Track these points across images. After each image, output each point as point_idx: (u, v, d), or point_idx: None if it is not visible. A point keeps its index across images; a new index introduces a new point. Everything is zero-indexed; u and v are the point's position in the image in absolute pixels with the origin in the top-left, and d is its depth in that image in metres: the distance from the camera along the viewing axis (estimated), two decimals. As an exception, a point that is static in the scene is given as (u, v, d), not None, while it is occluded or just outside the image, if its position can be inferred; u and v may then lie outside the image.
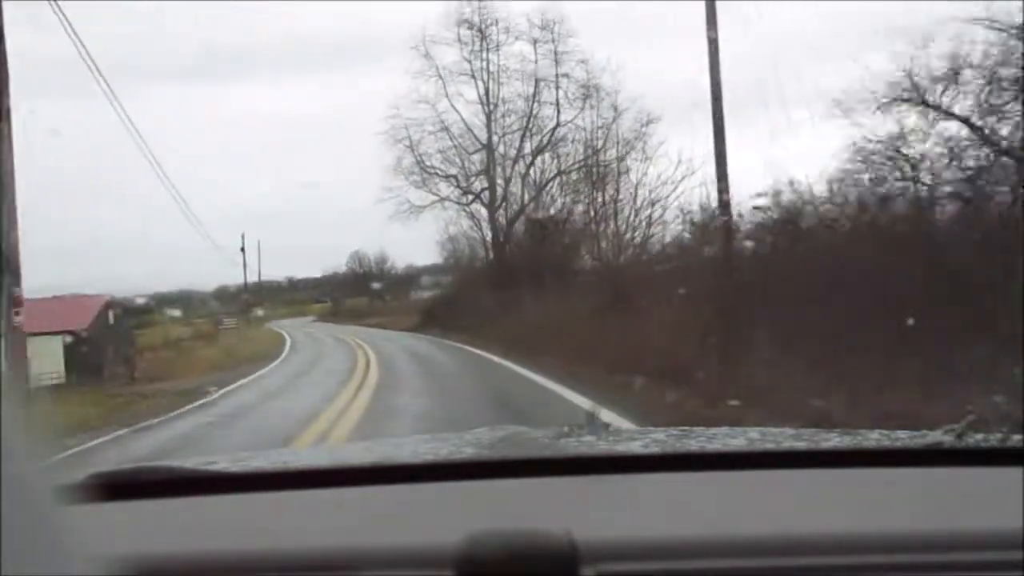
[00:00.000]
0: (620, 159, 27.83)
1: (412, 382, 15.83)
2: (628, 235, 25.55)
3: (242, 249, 48.15)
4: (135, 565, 0.89)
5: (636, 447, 1.65)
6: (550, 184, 31.91)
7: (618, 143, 28.52)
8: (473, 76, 33.36)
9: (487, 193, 33.92)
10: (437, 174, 34.55)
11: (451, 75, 33.44)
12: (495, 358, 18.92)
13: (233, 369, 22.44)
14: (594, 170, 28.33)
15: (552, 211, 30.74)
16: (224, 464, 1.49)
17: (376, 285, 57.98)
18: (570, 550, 0.90)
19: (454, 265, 37.77)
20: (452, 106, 33.95)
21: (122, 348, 28.95)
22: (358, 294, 58.09)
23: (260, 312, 54.24)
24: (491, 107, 33.65)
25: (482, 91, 33.42)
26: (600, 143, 29.41)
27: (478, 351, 21.44)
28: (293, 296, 65.66)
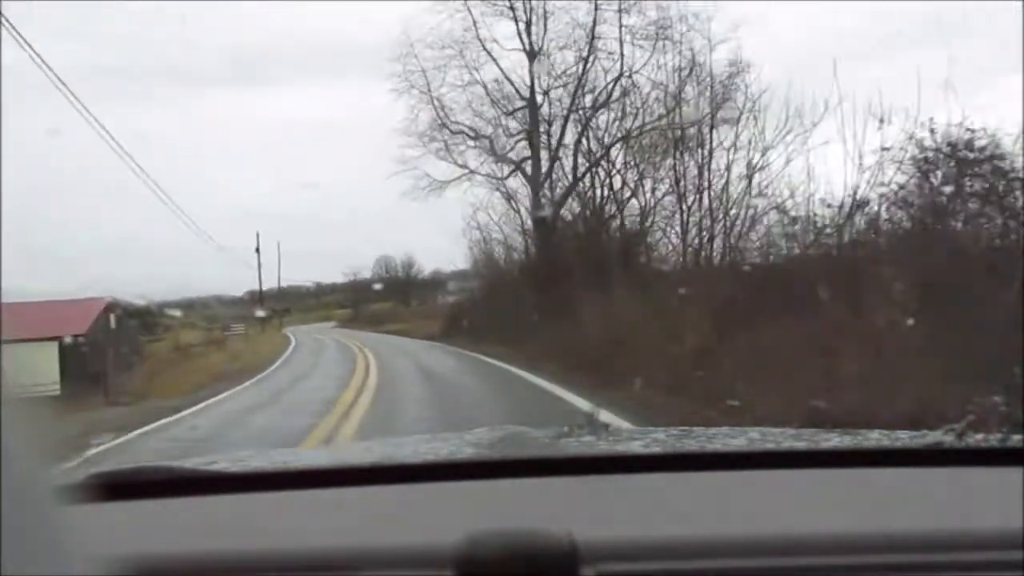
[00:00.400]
0: (713, 112, 18.50)
1: (416, 424, 9.80)
2: (727, 218, 17.24)
3: (256, 250, 46.20)
4: (135, 565, 0.89)
5: (636, 447, 1.65)
6: (612, 151, 22.56)
7: (711, 88, 18.93)
8: (512, 8, 24.01)
9: (528, 165, 24.78)
10: (465, 134, 25.52)
11: (483, 15, 24.29)
12: (552, 387, 12.39)
13: (211, 386, 17.72)
14: (676, 132, 19.29)
15: (614, 187, 22.22)
16: (224, 464, 1.49)
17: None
18: (570, 550, 0.90)
19: (484, 260, 30.07)
20: (484, 48, 24.50)
21: (127, 355, 26.82)
22: (384, 299, 56.35)
23: (281, 317, 52.80)
24: (535, 50, 24.09)
25: (523, 29, 24.03)
26: (682, 94, 19.80)
27: (520, 371, 15.07)
28: (320, 301, 64.52)
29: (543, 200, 24.10)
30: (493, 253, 29.32)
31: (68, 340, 23.60)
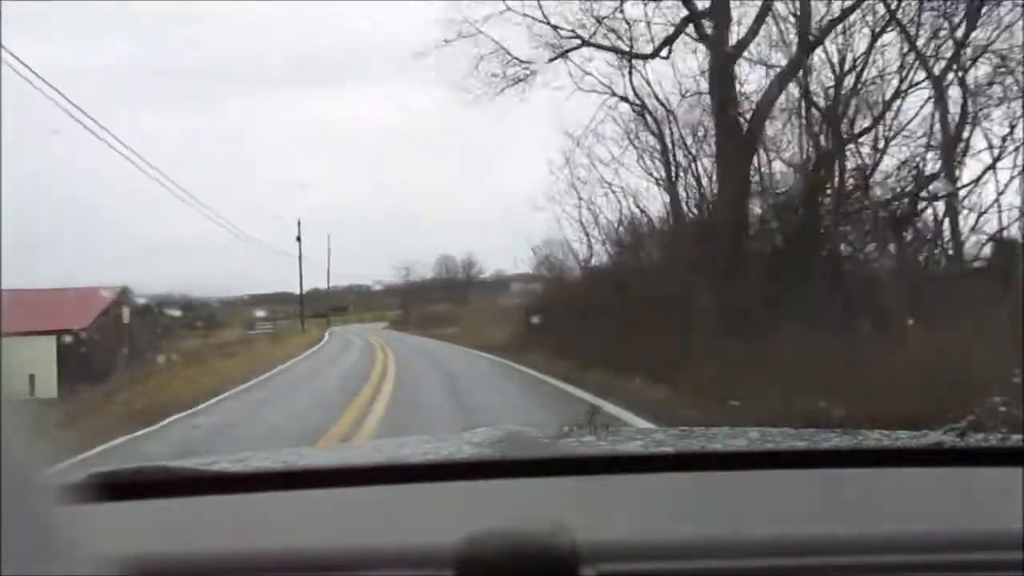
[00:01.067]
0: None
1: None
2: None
3: (298, 238, 44.10)
4: (135, 565, 0.89)
5: (636, 447, 1.65)
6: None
7: None
8: None
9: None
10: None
11: None
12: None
13: (192, 398, 13.80)
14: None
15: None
16: (224, 464, 1.49)
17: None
18: (570, 550, 0.90)
19: (619, 232, 19.16)
20: None
21: (138, 352, 23.51)
22: (443, 300, 52.80)
23: (328, 316, 51.91)
24: None
25: None
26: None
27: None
28: (381, 301, 63.08)
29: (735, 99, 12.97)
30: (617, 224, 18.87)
31: (68, 337, 21.49)
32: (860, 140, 13.26)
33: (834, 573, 0.94)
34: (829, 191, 12.90)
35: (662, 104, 16.08)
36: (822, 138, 13.20)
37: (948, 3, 12.92)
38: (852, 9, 12.99)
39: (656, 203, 17.38)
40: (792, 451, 1.49)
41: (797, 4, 13.39)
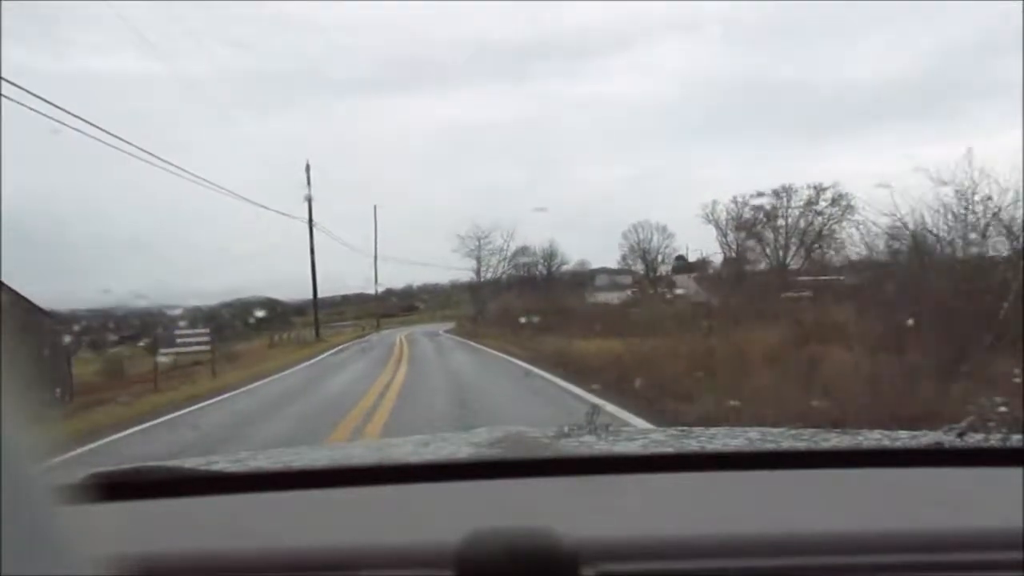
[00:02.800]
0: None
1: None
2: None
3: (308, 200, 39.01)
4: (135, 565, 0.89)
5: (636, 447, 1.65)
6: None
7: None
8: None
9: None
10: None
11: None
12: None
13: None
14: None
15: None
16: (224, 464, 1.49)
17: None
18: (570, 550, 0.90)
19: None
20: None
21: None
22: (520, 296, 47.25)
23: (403, 315, 50.74)
24: None
25: None
26: None
27: None
28: (450, 299, 60.33)
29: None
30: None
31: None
32: None
33: (834, 573, 0.94)
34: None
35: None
36: None
37: None
38: None
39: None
40: (792, 451, 1.49)
41: None
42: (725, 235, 43.06)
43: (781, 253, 39.30)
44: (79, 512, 0.59)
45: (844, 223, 36.62)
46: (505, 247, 51.60)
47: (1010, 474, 1.20)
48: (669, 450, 1.59)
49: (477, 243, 51.46)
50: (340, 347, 31.90)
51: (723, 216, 42.79)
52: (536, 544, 0.90)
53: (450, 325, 45.68)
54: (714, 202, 44.26)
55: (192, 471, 1.40)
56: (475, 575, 0.90)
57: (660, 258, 50.42)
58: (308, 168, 38.98)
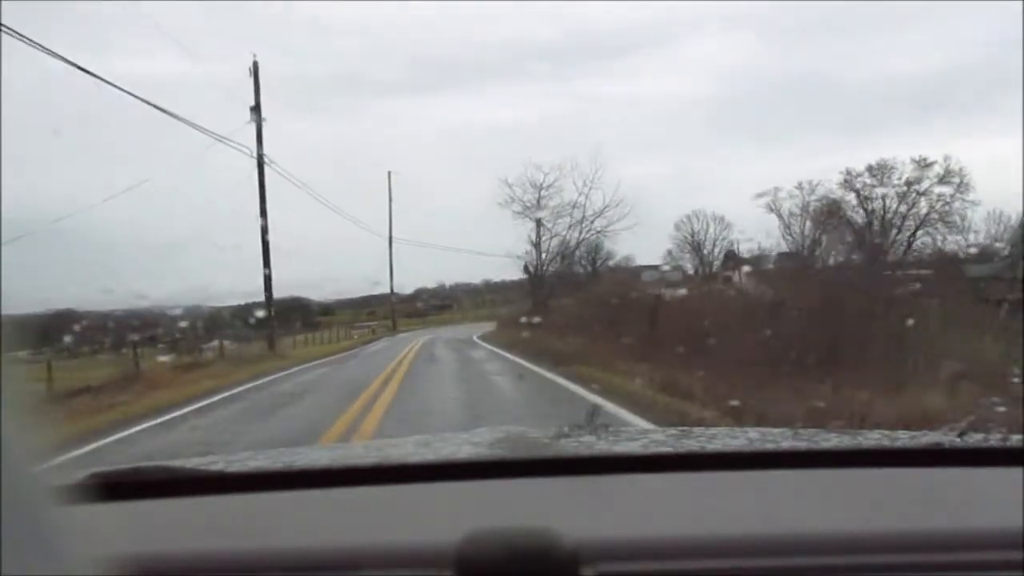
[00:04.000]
0: None
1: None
2: None
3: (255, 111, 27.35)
4: (135, 565, 0.89)
5: (635, 447, 1.65)
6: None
7: None
8: None
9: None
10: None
11: None
12: None
13: None
14: None
15: None
16: (224, 464, 1.49)
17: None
18: (570, 550, 0.90)
19: None
20: None
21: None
22: (564, 294, 41.58)
23: (434, 315, 47.56)
24: None
25: None
26: None
27: None
28: (486, 299, 56.73)
29: None
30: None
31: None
32: None
33: (834, 573, 0.94)
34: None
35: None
36: None
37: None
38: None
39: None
40: (792, 451, 1.49)
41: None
42: (788, 225, 38.27)
43: (879, 241, 33.25)
44: (79, 512, 0.59)
45: (956, 204, 32.31)
46: (581, 202, 39.27)
47: (1010, 474, 1.20)
48: (669, 450, 1.59)
49: (537, 194, 39.99)
50: (270, 377, 18.36)
51: (785, 204, 37.81)
52: (536, 544, 0.90)
53: (487, 327, 35.97)
54: (775, 189, 39.41)
55: (192, 471, 1.39)
56: (475, 575, 0.90)
57: (716, 251, 45.97)
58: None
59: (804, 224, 38.16)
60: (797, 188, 38.38)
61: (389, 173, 41.65)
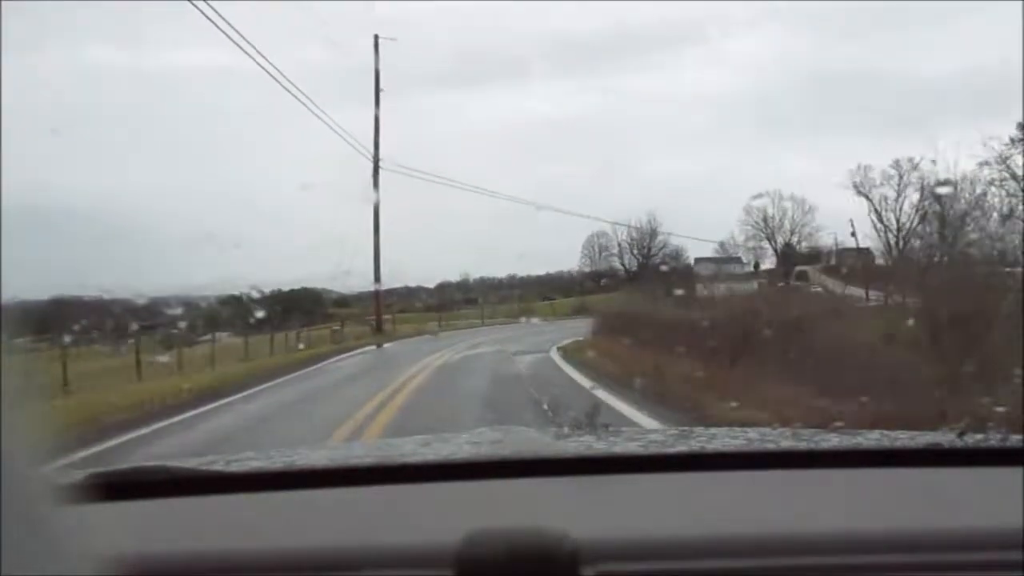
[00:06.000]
0: None
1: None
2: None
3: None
4: (135, 565, 0.89)
5: (635, 447, 1.65)
6: None
7: None
8: None
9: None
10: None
11: None
12: None
13: None
14: None
15: None
16: (224, 464, 1.49)
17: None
18: (570, 550, 0.90)
19: None
20: None
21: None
22: (608, 288, 37.64)
23: (453, 311, 40.57)
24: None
25: None
26: None
27: None
28: (512, 292, 52.77)
29: None
30: None
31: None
32: None
33: (834, 573, 0.94)
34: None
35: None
36: None
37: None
38: None
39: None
40: (792, 451, 1.49)
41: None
42: (879, 213, 32.68)
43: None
44: (79, 512, 0.59)
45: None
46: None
47: (1010, 474, 1.20)
48: (669, 450, 1.59)
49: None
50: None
51: (875, 184, 32.53)
52: (536, 544, 0.90)
53: (557, 335, 22.89)
54: (865, 168, 34.41)
55: (192, 471, 1.39)
56: (475, 575, 0.90)
57: (797, 239, 39.59)
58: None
59: (899, 209, 33.49)
60: (893, 167, 33.84)
61: (376, 38, 31.17)
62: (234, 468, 1.47)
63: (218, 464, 1.48)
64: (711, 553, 0.97)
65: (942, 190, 29.27)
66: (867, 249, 33.04)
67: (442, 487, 1.27)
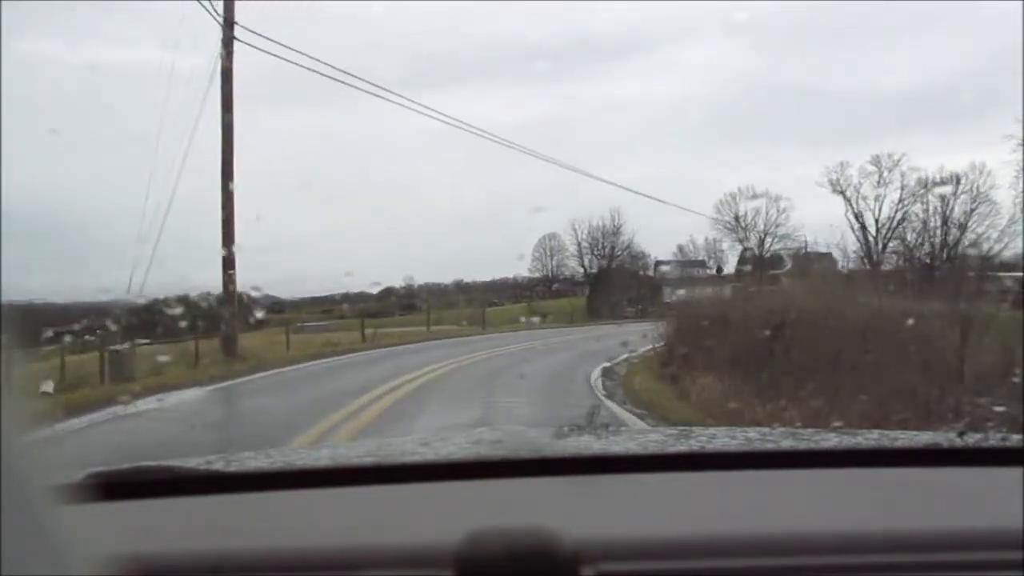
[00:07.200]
0: None
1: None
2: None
3: None
4: (135, 565, 0.89)
5: (635, 447, 1.65)
6: None
7: None
8: None
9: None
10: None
11: None
12: None
13: None
14: None
15: None
16: (223, 464, 1.49)
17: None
18: (570, 550, 0.90)
19: None
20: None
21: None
22: (562, 293, 37.80)
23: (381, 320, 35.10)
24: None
25: None
26: None
27: None
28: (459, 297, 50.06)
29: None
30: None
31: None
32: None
33: (834, 573, 0.94)
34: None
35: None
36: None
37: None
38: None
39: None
40: (792, 451, 1.49)
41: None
42: (858, 213, 31.68)
43: (931, 243, 29.24)
44: (79, 512, 0.59)
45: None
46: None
47: (1010, 474, 1.20)
48: (669, 450, 1.59)
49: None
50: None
51: (855, 182, 31.52)
52: (536, 544, 0.90)
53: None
54: (843, 164, 33.04)
55: (192, 471, 1.39)
56: (475, 575, 0.90)
57: (770, 240, 37.81)
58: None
59: (879, 208, 32.52)
60: (872, 163, 32.41)
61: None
62: (234, 468, 1.47)
63: (218, 464, 1.48)
64: (711, 553, 0.97)
65: (940, 190, 29.70)
66: (829, 254, 32.58)
67: (442, 487, 1.27)
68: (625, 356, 15.88)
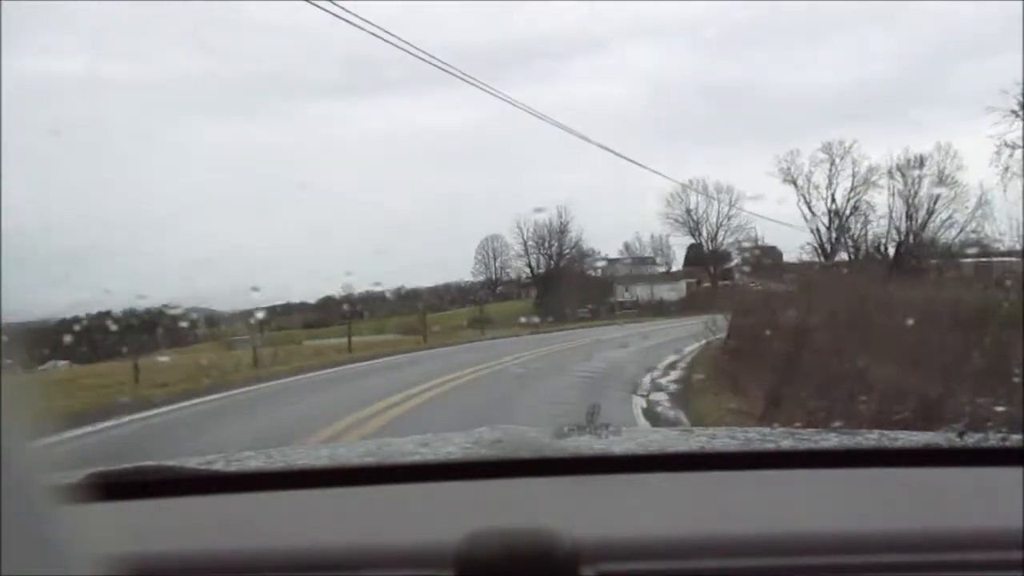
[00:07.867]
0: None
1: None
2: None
3: None
4: (135, 565, 0.89)
5: (635, 447, 1.65)
6: None
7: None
8: None
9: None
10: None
11: None
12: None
13: None
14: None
15: None
16: (224, 464, 1.49)
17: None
18: (570, 550, 0.90)
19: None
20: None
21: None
22: (506, 296, 35.26)
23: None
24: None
25: None
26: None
27: None
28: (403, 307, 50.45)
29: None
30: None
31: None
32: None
33: (834, 573, 0.94)
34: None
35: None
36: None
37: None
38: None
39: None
40: (792, 451, 1.49)
41: None
42: (809, 203, 31.19)
43: (897, 230, 28.94)
44: (79, 512, 0.59)
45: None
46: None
47: (1010, 474, 1.20)
48: (669, 450, 1.59)
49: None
50: None
51: (806, 172, 31.04)
52: (536, 544, 0.90)
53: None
54: (794, 152, 32.92)
55: (192, 471, 1.39)
56: (475, 575, 0.90)
57: (723, 233, 36.56)
58: None
59: (831, 197, 31.97)
60: (824, 151, 32.08)
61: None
62: (234, 468, 1.47)
63: (218, 464, 1.48)
64: (711, 553, 0.97)
65: (938, 190, 29.68)
66: (774, 247, 31.83)
67: (442, 487, 1.27)
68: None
